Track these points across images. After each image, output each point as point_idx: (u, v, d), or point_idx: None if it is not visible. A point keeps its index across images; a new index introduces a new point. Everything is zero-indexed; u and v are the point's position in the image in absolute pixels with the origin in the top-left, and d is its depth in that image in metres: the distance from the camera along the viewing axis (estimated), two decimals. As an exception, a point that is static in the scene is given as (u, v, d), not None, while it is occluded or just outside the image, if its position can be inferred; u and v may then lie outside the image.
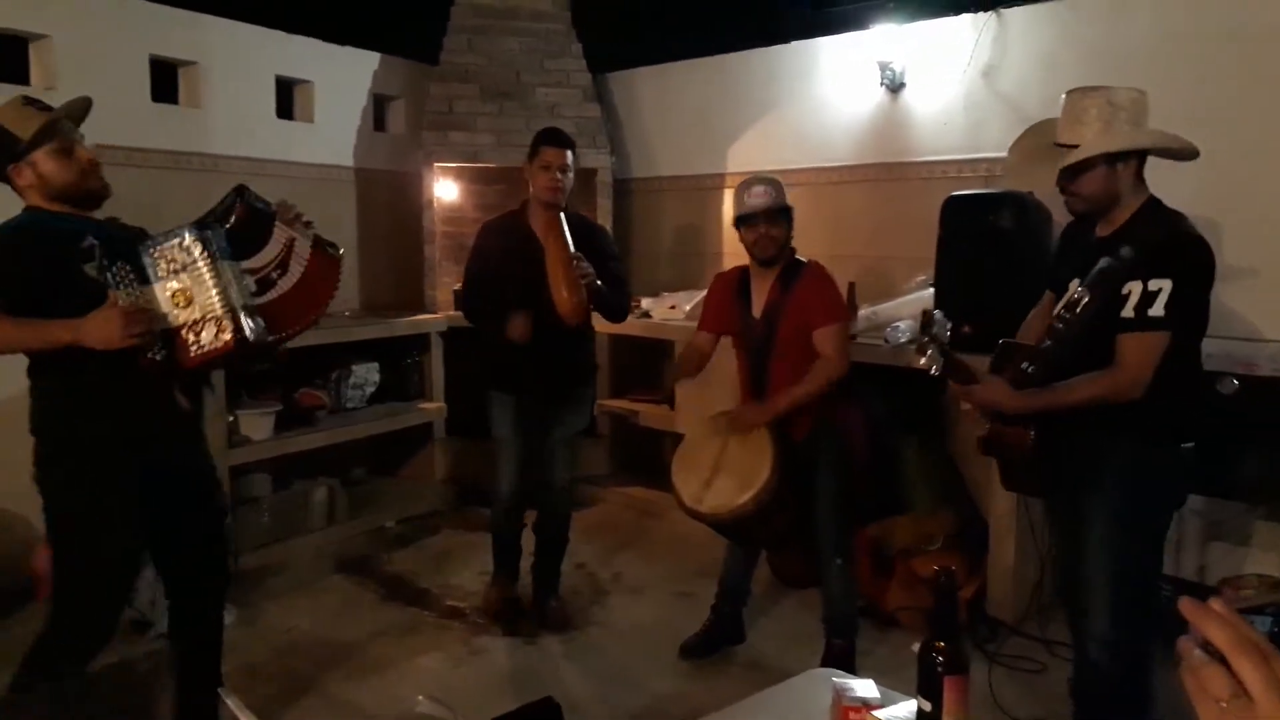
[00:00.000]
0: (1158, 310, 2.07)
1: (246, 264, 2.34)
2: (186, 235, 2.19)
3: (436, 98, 5.00)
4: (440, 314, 4.86)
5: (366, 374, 4.79)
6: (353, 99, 5.11)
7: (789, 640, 3.43)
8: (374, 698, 3.04)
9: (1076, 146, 2.15)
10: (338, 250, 2.52)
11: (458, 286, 3.59)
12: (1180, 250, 2.13)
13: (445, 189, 5.13)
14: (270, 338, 2.30)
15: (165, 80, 4.33)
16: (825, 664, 3.04)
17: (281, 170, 4.73)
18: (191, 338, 2.18)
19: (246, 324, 2.20)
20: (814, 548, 3.17)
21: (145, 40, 4.16)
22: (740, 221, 3.08)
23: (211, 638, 2.56)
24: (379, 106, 5.31)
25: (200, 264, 2.18)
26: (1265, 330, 3.39)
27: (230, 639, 3.34)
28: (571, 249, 3.15)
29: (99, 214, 2.39)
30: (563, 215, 3.24)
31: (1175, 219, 2.21)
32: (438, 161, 5.00)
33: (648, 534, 4.59)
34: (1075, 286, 2.16)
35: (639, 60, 5.39)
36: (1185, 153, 2.19)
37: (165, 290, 2.18)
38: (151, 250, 2.20)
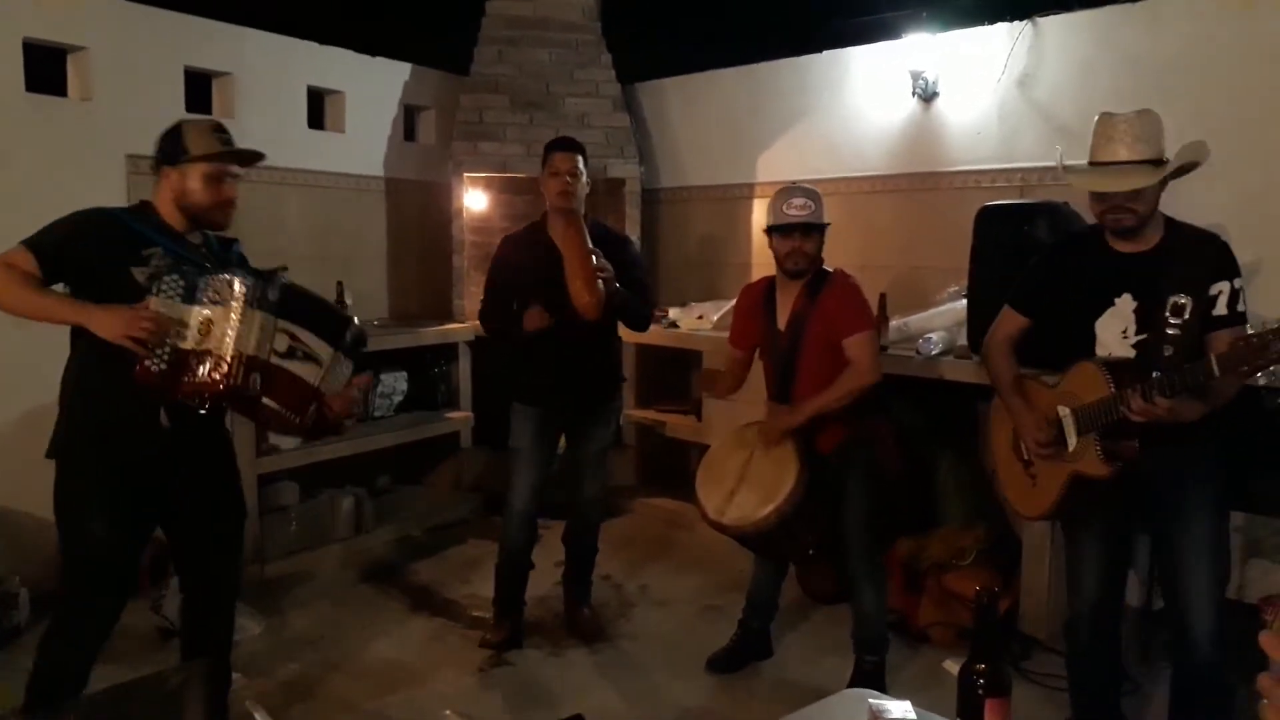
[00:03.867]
0: (1242, 305, 2.26)
1: (289, 326, 2.34)
2: (237, 275, 2.27)
3: (467, 108, 5.03)
4: (468, 324, 4.87)
5: (394, 383, 4.80)
6: (384, 109, 5.15)
7: (817, 656, 3.38)
8: (400, 709, 3.03)
9: (1137, 162, 2.25)
10: (336, 425, 2.47)
11: (482, 300, 3.59)
12: (1230, 250, 2.31)
13: (474, 199, 5.15)
14: (262, 397, 2.29)
15: (199, 91, 4.37)
16: (854, 681, 3.00)
17: (312, 180, 4.78)
18: (194, 364, 2.21)
19: (240, 373, 2.22)
20: (843, 563, 3.12)
21: (180, 52, 4.21)
22: (774, 231, 3.04)
23: (221, 637, 2.58)
24: (409, 117, 5.35)
25: (234, 304, 2.24)
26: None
27: (256, 648, 3.37)
28: (589, 244, 3.16)
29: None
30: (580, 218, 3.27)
31: (1194, 227, 2.40)
32: (467, 172, 5.02)
33: (675, 546, 4.56)
34: (1130, 299, 2.31)
35: (668, 70, 5.39)
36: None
37: (199, 315, 2.22)
38: (208, 277, 2.26)
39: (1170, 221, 2.36)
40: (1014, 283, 2.64)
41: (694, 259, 5.43)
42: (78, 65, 3.93)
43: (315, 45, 4.76)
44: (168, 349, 2.18)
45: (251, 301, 2.25)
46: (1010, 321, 2.61)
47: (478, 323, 3.62)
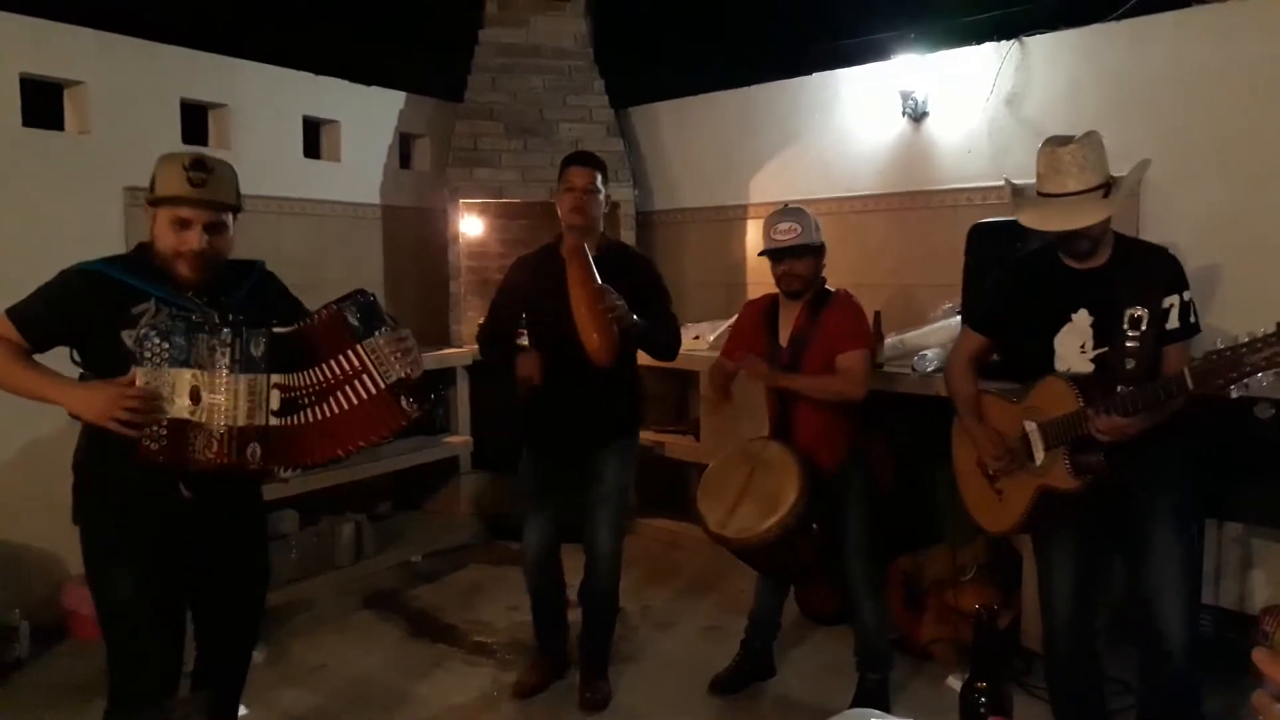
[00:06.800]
0: (1194, 317, 2.33)
1: (282, 379, 2.10)
2: (219, 335, 2.05)
3: (461, 135, 5.06)
4: (465, 348, 4.89)
5: (393, 409, 4.80)
6: (379, 138, 5.18)
7: (820, 675, 3.38)
8: (402, 736, 3.02)
9: (1085, 191, 2.27)
10: (420, 404, 2.13)
11: (482, 320, 3.39)
12: (1179, 264, 2.38)
13: (470, 225, 5.18)
14: (268, 466, 2.09)
15: (195, 122, 4.40)
16: (858, 700, 2.99)
17: (309, 209, 4.80)
18: (191, 436, 2.03)
19: (232, 449, 2.03)
20: (843, 581, 3.13)
21: (176, 84, 4.24)
22: (765, 255, 3.09)
23: (232, 681, 2.50)
24: (405, 144, 5.38)
25: (221, 368, 2.04)
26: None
27: (258, 676, 3.34)
28: (597, 280, 2.87)
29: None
30: (586, 244, 2.98)
31: (1142, 241, 2.48)
32: (463, 198, 5.05)
33: (675, 567, 4.55)
34: (1086, 314, 2.35)
35: (661, 94, 5.43)
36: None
37: (187, 378, 2.03)
38: (196, 335, 2.05)
39: (1119, 237, 2.41)
40: (971, 304, 2.70)
41: (689, 280, 5.44)
42: (74, 99, 3.96)
43: (310, 75, 4.80)
44: (164, 422, 2.00)
45: (235, 365, 2.04)
46: (970, 341, 2.67)
47: (475, 346, 3.37)
